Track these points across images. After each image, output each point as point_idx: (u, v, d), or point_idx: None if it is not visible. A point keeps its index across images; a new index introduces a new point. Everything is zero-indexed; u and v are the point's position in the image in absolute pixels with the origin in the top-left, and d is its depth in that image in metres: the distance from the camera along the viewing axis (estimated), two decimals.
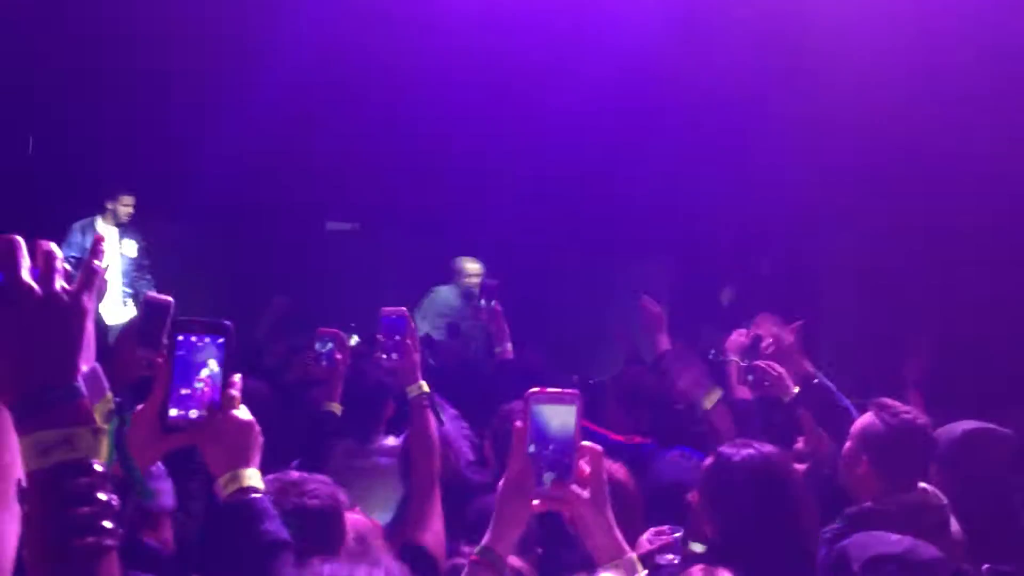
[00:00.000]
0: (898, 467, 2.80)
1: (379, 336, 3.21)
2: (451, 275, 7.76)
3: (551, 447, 1.62)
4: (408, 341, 3.14)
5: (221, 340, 1.61)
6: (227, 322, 1.63)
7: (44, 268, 1.13)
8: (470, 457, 3.66)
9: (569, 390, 1.67)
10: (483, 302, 4.32)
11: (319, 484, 2.30)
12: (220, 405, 1.62)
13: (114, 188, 7.53)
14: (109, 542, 1.06)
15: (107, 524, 1.06)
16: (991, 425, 3.04)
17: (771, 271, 8.92)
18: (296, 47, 7.28)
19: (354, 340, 4.83)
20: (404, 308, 3.24)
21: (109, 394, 1.14)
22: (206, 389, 1.61)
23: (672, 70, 7.46)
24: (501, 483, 1.68)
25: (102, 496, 1.07)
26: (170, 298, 2.48)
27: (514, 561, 2.32)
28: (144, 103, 7.80)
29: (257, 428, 1.68)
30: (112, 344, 2.54)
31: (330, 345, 3.74)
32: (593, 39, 7.33)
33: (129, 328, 2.55)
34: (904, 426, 2.81)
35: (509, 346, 4.51)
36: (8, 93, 7.40)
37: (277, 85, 7.51)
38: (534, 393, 1.66)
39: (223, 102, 7.64)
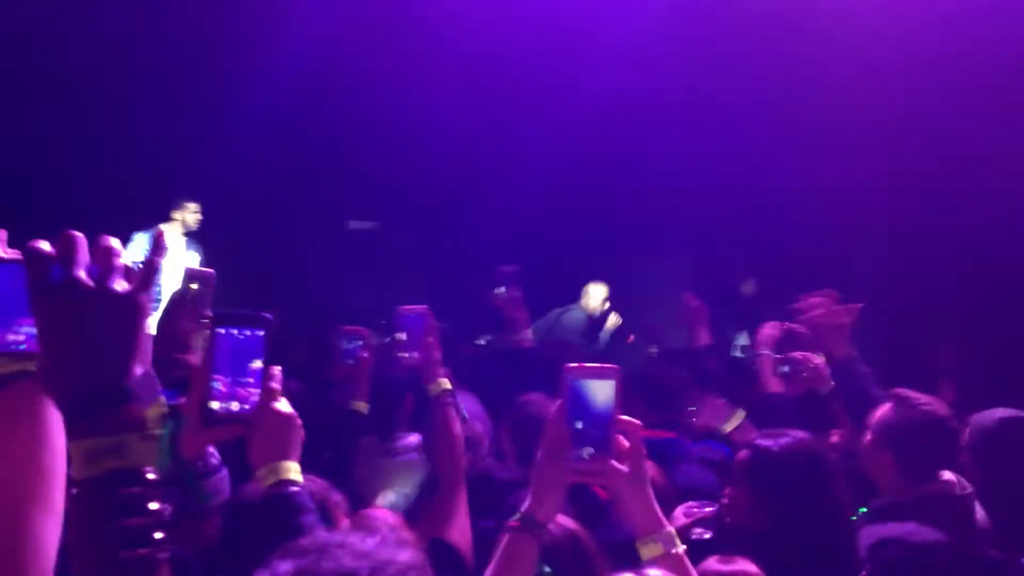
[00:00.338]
0: (921, 460, 2.75)
1: (399, 334, 3.21)
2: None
3: (590, 421, 1.62)
4: (428, 339, 3.15)
5: (261, 333, 1.61)
6: (267, 315, 1.63)
7: (103, 265, 1.10)
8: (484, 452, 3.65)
9: (609, 365, 1.65)
10: (501, 289, 4.22)
11: (312, 482, 2.31)
12: (261, 398, 1.62)
13: (179, 195, 7.46)
14: (161, 554, 1.03)
15: (158, 535, 1.04)
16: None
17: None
18: (315, 49, 7.31)
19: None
20: (424, 306, 3.25)
21: (162, 398, 1.11)
22: (247, 382, 1.61)
23: (686, 69, 7.44)
24: (539, 452, 1.67)
25: (153, 506, 1.04)
26: (211, 270, 2.50)
27: (567, 522, 2.31)
28: (160, 104, 7.83)
29: (298, 422, 1.68)
30: (159, 323, 2.53)
31: (357, 343, 3.74)
32: (606, 42, 7.32)
33: (172, 304, 2.56)
34: (925, 419, 2.74)
35: (529, 333, 4.44)
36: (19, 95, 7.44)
37: (295, 83, 7.52)
38: (573, 368, 1.65)
39: (240, 100, 7.65)
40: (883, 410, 2.86)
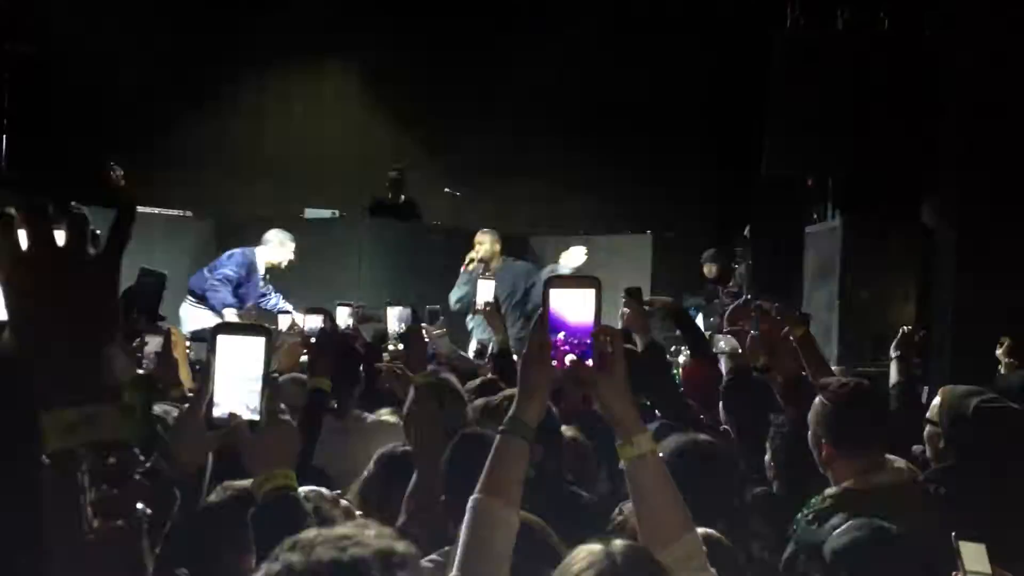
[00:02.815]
0: (852, 438, 2.80)
1: (390, 327, 3.30)
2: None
3: (571, 329, 1.69)
4: (416, 333, 3.22)
5: (262, 341, 1.64)
6: (267, 325, 1.66)
7: (73, 234, 1.07)
8: None
9: (589, 276, 1.73)
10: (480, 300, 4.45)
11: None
12: (261, 405, 1.65)
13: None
14: (142, 525, 1.03)
15: (138, 506, 1.02)
16: (1000, 400, 2.98)
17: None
18: None
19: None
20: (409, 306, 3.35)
21: (135, 367, 1.11)
22: (248, 389, 1.64)
23: None
24: (522, 357, 1.76)
25: (131, 477, 1.02)
26: (164, 271, 2.58)
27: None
28: None
29: (295, 429, 1.71)
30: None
31: (320, 321, 3.82)
32: None
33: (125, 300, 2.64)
34: (845, 397, 2.82)
35: (508, 337, 4.55)
36: None
37: None
38: (552, 278, 1.74)
39: None
40: (814, 404, 2.90)
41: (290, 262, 7.38)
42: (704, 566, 1.66)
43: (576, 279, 1.73)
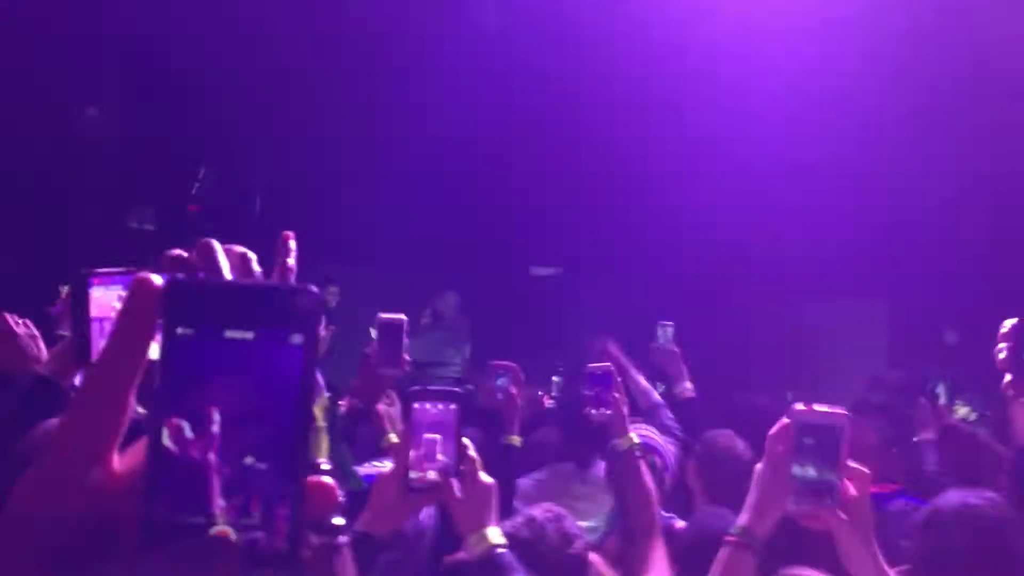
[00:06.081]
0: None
1: (586, 391, 3.28)
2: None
3: (813, 464, 1.58)
4: (615, 395, 3.20)
5: (454, 406, 1.70)
6: (459, 389, 1.73)
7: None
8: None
9: (839, 411, 1.60)
10: (661, 343, 4.29)
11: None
12: (459, 468, 1.70)
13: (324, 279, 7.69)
14: (342, 539, 1.09)
15: (338, 521, 1.06)
16: None
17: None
18: (500, 88, 7.42)
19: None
20: (609, 364, 3.34)
21: (325, 393, 1.13)
22: (443, 453, 1.69)
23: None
24: (759, 465, 1.65)
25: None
26: (403, 316, 2.74)
27: None
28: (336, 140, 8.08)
29: (495, 488, 1.78)
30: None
31: (504, 379, 3.84)
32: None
33: (370, 352, 2.92)
34: None
35: (688, 385, 4.45)
36: None
37: (478, 125, 7.65)
38: (799, 410, 1.61)
39: (423, 139, 7.80)
40: None
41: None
42: None
43: (823, 414, 1.60)
